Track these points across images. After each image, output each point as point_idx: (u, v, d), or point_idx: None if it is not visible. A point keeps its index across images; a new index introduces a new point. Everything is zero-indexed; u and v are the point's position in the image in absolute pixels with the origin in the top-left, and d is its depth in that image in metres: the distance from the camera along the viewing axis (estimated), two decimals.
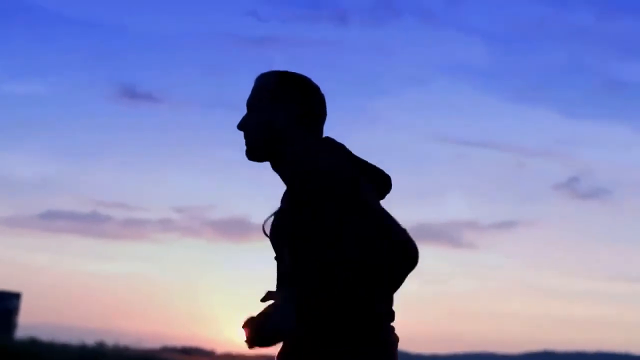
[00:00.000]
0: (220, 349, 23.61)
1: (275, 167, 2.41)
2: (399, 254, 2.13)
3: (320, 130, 2.41)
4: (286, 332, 2.19)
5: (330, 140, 2.37)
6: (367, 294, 2.19)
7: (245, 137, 2.42)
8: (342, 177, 2.20)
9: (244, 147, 2.43)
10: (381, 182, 2.35)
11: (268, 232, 2.37)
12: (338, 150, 2.32)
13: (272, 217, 2.36)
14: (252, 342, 2.22)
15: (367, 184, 2.25)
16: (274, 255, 2.38)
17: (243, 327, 2.23)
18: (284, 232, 2.29)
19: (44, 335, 23.20)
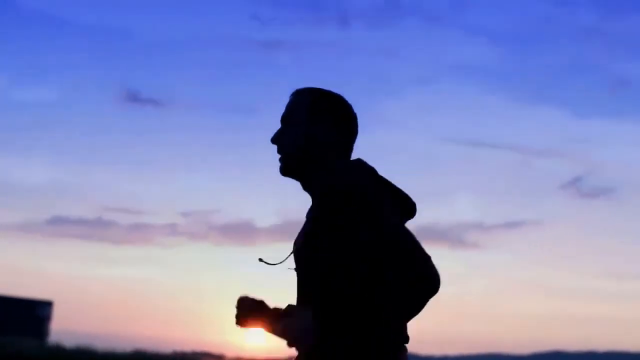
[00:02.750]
0: (228, 352, 23.30)
1: (306, 187, 2.44)
2: (422, 283, 2.17)
3: (352, 148, 2.46)
4: (304, 345, 2.22)
5: (361, 161, 2.38)
6: (385, 321, 2.21)
7: (280, 152, 2.44)
8: (366, 194, 2.24)
9: (278, 163, 2.45)
10: (406, 207, 2.36)
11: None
12: (367, 170, 2.33)
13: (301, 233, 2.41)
14: (240, 322, 2.32)
15: (394, 207, 2.27)
16: (294, 267, 2.40)
17: (237, 305, 2.33)
18: (308, 249, 2.31)
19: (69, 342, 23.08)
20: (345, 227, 2.24)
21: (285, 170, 2.43)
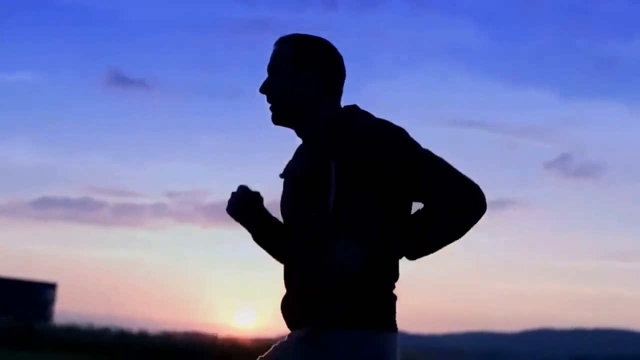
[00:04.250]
0: (217, 332, 23.26)
1: (300, 133, 2.44)
2: (478, 200, 2.30)
3: (341, 91, 2.46)
4: (350, 272, 2.26)
5: (357, 107, 2.42)
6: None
7: (270, 101, 2.44)
8: (401, 130, 2.31)
9: (269, 112, 2.45)
10: None
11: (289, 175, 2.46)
12: (367, 113, 2.39)
13: (294, 166, 2.45)
14: (232, 210, 2.45)
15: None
16: (286, 200, 2.45)
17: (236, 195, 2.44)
18: (327, 180, 2.31)
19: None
20: (392, 158, 2.28)
21: (277, 119, 2.44)
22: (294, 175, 2.44)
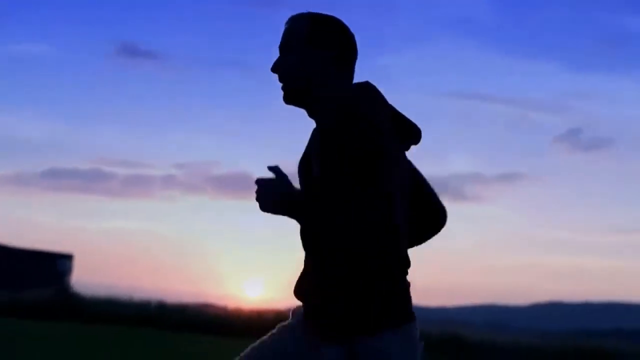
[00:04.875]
0: (229, 304, 23.43)
1: (311, 113, 2.42)
2: (434, 218, 2.39)
3: (353, 70, 2.44)
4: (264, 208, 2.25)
5: (369, 83, 2.39)
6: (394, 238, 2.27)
7: (281, 80, 2.42)
8: (380, 128, 2.25)
9: (281, 91, 2.42)
10: (411, 132, 2.40)
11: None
12: (373, 93, 2.36)
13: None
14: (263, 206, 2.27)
15: (395, 134, 2.33)
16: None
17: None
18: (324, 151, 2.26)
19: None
20: (350, 146, 2.21)
21: (288, 98, 2.42)
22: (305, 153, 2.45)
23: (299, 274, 2.41)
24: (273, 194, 2.25)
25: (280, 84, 2.42)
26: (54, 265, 30.60)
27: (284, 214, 2.27)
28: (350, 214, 2.17)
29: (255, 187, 2.29)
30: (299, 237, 2.36)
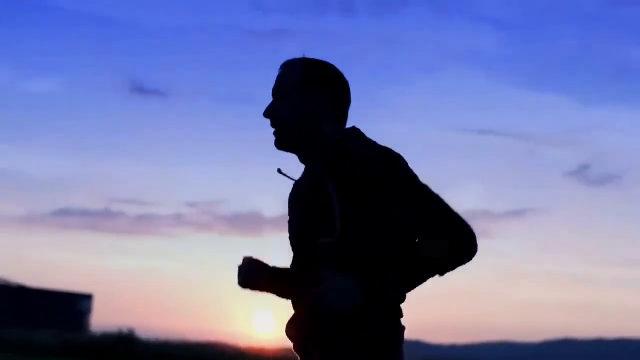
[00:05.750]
0: (240, 343, 23.65)
1: (304, 159, 2.42)
2: (468, 245, 2.27)
3: (346, 116, 2.43)
4: (346, 308, 2.23)
5: (357, 129, 2.41)
6: (409, 279, 2.27)
7: (274, 125, 2.41)
8: (400, 160, 2.28)
9: (272, 137, 2.42)
10: None
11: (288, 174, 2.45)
12: (365, 137, 2.38)
13: (298, 181, 2.45)
14: (242, 284, 2.30)
15: None
16: (291, 222, 2.43)
17: (242, 269, 2.30)
18: (328, 211, 2.29)
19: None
20: (386, 189, 2.25)
21: (280, 144, 2.40)
22: (298, 196, 2.43)
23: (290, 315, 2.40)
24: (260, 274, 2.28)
25: (273, 129, 2.41)
26: (72, 305, 30.58)
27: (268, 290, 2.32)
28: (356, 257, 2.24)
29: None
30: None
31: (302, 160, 2.42)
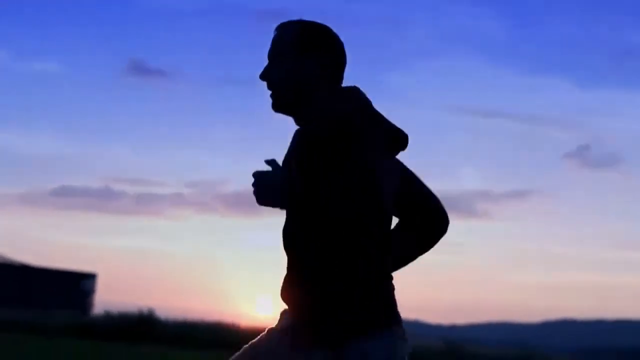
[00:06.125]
0: (237, 322, 23.76)
1: (298, 121, 2.42)
2: (435, 222, 2.36)
3: (342, 78, 2.43)
4: (265, 204, 2.27)
5: (356, 88, 2.40)
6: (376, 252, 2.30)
7: (270, 88, 2.41)
8: (350, 128, 2.25)
9: (269, 99, 2.42)
10: (397, 139, 2.38)
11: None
12: (355, 101, 2.36)
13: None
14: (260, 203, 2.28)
15: (378, 139, 2.31)
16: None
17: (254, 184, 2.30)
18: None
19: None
20: (327, 163, 2.23)
21: (277, 106, 2.40)
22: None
23: (283, 277, 2.42)
24: (268, 186, 2.26)
25: (269, 92, 2.42)
26: (76, 285, 30.64)
27: (279, 206, 2.29)
28: (330, 222, 2.23)
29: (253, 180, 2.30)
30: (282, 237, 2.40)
31: (298, 122, 2.42)
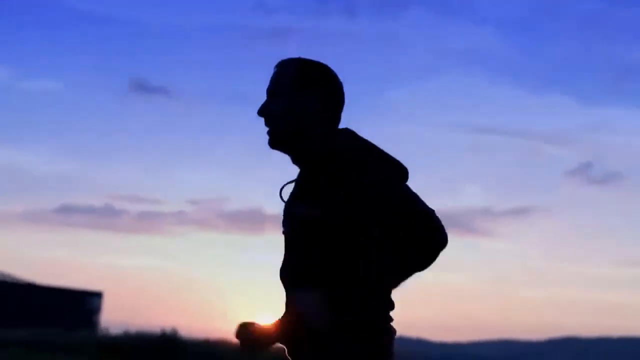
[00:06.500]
0: (230, 338, 23.81)
1: (295, 160, 2.42)
2: (436, 238, 2.27)
3: (339, 118, 2.43)
4: (319, 329, 2.23)
5: (349, 130, 2.41)
6: (390, 283, 2.28)
7: (268, 124, 2.42)
8: (363, 157, 2.26)
9: (266, 136, 2.42)
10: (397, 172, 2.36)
11: (284, 197, 2.44)
12: (356, 137, 2.37)
13: (292, 184, 2.44)
14: (246, 348, 2.31)
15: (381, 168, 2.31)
16: (283, 231, 2.42)
17: (237, 335, 2.32)
18: (305, 224, 2.30)
19: None
20: (334, 191, 2.25)
21: (274, 143, 2.41)
22: (293, 214, 2.38)
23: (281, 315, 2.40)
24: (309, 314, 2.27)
25: (266, 128, 2.42)
26: (82, 303, 30.56)
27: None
28: (337, 265, 2.24)
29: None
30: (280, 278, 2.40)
31: (294, 161, 2.43)
